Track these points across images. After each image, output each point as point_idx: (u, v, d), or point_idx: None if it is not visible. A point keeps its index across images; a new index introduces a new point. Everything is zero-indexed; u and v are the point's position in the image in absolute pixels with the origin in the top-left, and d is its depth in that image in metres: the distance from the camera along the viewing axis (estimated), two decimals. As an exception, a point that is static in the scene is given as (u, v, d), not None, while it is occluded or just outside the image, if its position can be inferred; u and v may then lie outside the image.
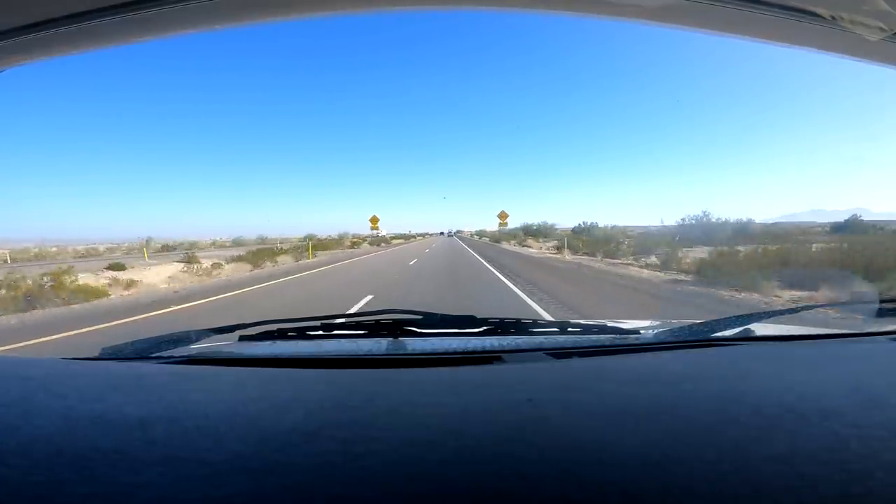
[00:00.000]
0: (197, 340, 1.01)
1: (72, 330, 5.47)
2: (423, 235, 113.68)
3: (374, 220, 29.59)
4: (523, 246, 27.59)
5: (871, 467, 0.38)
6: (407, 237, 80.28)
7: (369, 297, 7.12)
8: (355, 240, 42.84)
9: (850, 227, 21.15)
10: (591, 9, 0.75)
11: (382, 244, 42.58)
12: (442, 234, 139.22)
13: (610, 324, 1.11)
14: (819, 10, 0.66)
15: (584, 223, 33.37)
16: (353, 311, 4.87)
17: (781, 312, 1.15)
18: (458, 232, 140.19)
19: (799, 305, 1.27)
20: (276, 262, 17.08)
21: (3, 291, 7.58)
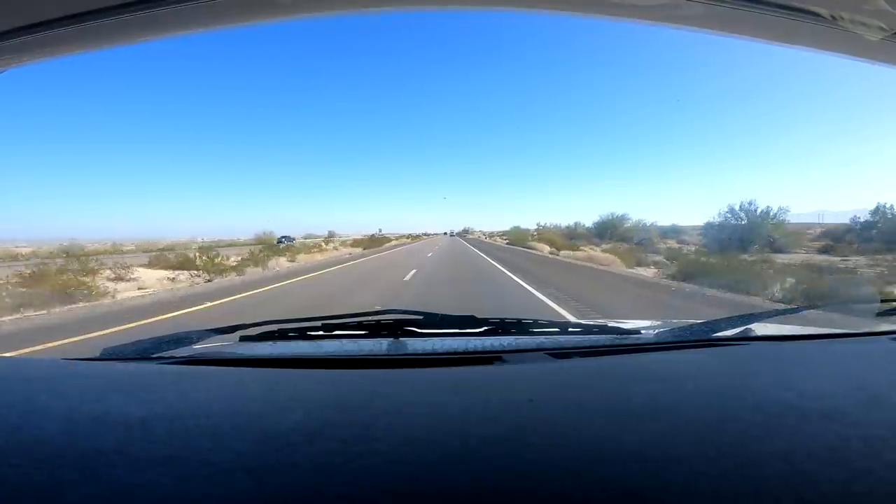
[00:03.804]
0: (198, 341, 1.00)
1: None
2: (385, 238, 57.29)
3: None
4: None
5: (872, 466, 0.38)
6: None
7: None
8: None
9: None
10: (590, 9, 0.75)
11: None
12: (445, 234, 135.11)
13: (611, 324, 1.11)
14: (819, 10, 0.66)
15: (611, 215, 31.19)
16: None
17: (782, 312, 1.15)
18: (463, 232, 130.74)
19: (799, 305, 1.27)
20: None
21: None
